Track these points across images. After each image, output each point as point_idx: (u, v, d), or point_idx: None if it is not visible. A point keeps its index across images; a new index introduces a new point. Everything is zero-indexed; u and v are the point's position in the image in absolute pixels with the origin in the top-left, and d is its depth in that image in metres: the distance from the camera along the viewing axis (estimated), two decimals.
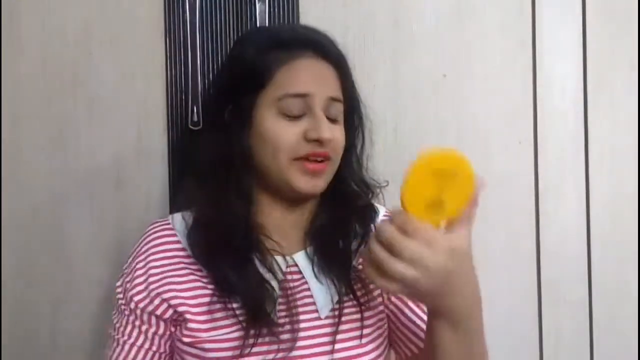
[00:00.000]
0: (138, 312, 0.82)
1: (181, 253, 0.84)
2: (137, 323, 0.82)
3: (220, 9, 1.08)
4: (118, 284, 0.85)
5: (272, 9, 1.08)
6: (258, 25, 1.07)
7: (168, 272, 0.83)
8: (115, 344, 0.83)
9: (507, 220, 1.11)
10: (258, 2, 1.08)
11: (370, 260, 0.66)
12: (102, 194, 1.08)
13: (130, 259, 0.85)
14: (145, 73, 1.08)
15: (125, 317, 0.83)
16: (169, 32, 1.08)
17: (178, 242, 0.85)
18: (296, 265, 0.85)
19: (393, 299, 0.86)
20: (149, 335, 0.82)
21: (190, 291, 0.81)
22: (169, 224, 0.87)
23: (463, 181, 0.66)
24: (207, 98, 1.03)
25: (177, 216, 0.87)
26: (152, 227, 0.88)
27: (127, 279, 0.84)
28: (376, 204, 0.93)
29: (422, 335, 0.83)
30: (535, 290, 1.11)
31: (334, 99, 0.83)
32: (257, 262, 0.82)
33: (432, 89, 1.10)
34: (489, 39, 1.10)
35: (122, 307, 0.84)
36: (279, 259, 0.84)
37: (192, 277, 0.82)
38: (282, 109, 0.81)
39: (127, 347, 0.83)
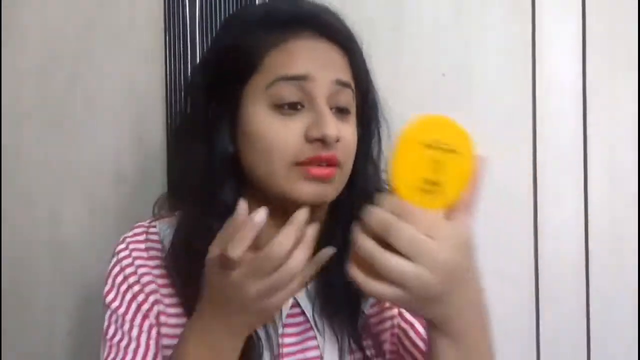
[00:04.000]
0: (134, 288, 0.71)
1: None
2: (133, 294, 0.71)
3: (220, 7, 1.08)
4: (110, 296, 0.72)
5: None
6: None
7: (151, 271, 0.73)
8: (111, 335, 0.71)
9: (505, 223, 1.10)
10: (258, 0, 1.08)
11: (356, 260, 0.54)
12: (102, 191, 1.09)
13: (117, 267, 0.74)
14: (145, 70, 1.08)
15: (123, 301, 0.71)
16: (169, 29, 1.08)
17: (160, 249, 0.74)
18: (298, 305, 0.72)
19: (400, 322, 0.75)
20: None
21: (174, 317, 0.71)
22: (155, 229, 0.76)
23: (463, 159, 0.54)
24: (188, 92, 0.81)
25: (164, 224, 0.75)
26: (134, 231, 0.77)
27: (119, 279, 0.73)
28: None
29: None
30: (533, 294, 1.11)
31: (342, 83, 0.67)
32: None
33: (431, 88, 1.09)
34: (488, 38, 1.10)
35: (120, 312, 0.72)
36: None
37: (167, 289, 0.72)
38: (274, 99, 0.65)
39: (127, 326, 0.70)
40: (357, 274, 0.54)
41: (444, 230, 0.52)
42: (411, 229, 0.51)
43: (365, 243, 0.52)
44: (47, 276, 1.08)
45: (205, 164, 0.68)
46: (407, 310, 0.64)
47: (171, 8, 1.08)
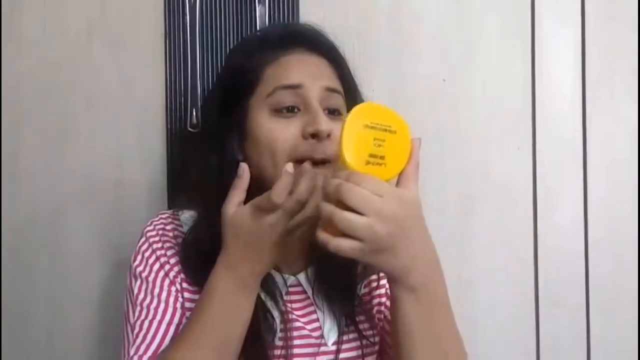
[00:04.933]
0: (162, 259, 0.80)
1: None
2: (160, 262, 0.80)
3: (220, 12, 1.08)
4: (140, 268, 0.80)
5: (272, 12, 1.08)
6: (258, 28, 1.07)
7: (176, 247, 0.81)
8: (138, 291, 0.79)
9: (505, 226, 1.10)
10: (258, 5, 1.08)
11: (323, 227, 0.62)
12: (101, 195, 1.08)
13: (146, 244, 0.82)
14: (145, 75, 1.08)
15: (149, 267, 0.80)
16: (169, 34, 1.08)
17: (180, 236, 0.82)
18: (300, 285, 0.82)
19: (386, 302, 0.83)
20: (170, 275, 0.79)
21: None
22: (179, 216, 0.85)
23: (401, 138, 0.65)
24: (203, 112, 0.97)
25: (187, 216, 0.84)
26: (160, 215, 0.85)
27: (147, 253, 0.81)
28: None
29: None
30: (533, 295, 1.11)
31: (331, 90, 0.78)
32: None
33: (431, 94, 1.10)
34: (488, 44, 1.10)
35: (149, 279, 0.79)
36: (278, 278, 0.80)
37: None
38: (274, 105, 0.76)
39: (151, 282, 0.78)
40: (321, 235, 0.62)
41: (389, 191, 0.61)
42: (360, 188, 0.60)
43: (325, 206, 0.61)
44: (46, 281, 1.08)
45: (217, 171, 0.78)
46: (366, 262, 0.70)
47: (172, 12, 1.08)
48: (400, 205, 0.61)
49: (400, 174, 0.64)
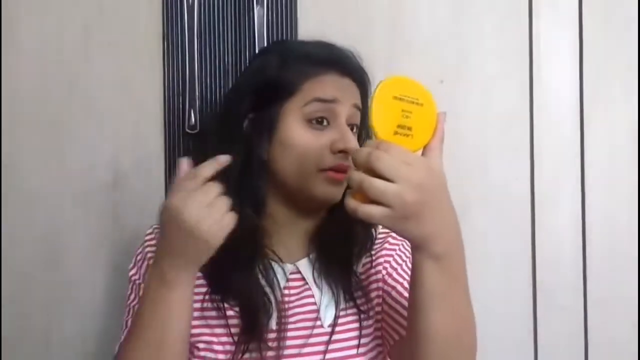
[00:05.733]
0: None
1: None
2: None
3: (218, 13, 1.09)
4: (133, 271, 0.87)
5: (270, 14, 1.08)
6: (256, 29, 1.08)
7: None
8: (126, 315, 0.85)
9: (503, 227, 1.11)
10: (256, 7, 1.08)
11: (349, 192, 0.65)
12: (99, 197, 1.09)
13: (141, 248, 0.88)
14: (143, 77, 1.09)
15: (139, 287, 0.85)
16: (167, 36, 1.08)
17: None
18: (299, 272, 0.86)
19: (384, 286, 0.86)
20: None
21: None
22: None
23: (428, 111, 0.67)
24: (221, 108, 0.98)
25: None
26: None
27: (139, 257, 0.87)
28: None
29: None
30: (531, 297, 1.11)
31: (357, 107, 0.86)
32: (259, 274, 0.83)
33: None
34: (486, 45, 1.11)
35: (138, 282, 0.86)
36: (279, 269, 0.85)
37: None
38: (308, 115, 0.82)
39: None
40: (350, 202, 0.63)
41: (416, 159, 0.63)
42: (389, 156, 0.62)
43: (355, 174, 0.63)
44: (44, 282, 1.08)
45: (241, 169, 0.83)
46: (392, 230, 0.68)
47: (170, 13, 1.08)
48: (427, 174, 0.63)
49: (426, 146, 0.67)
